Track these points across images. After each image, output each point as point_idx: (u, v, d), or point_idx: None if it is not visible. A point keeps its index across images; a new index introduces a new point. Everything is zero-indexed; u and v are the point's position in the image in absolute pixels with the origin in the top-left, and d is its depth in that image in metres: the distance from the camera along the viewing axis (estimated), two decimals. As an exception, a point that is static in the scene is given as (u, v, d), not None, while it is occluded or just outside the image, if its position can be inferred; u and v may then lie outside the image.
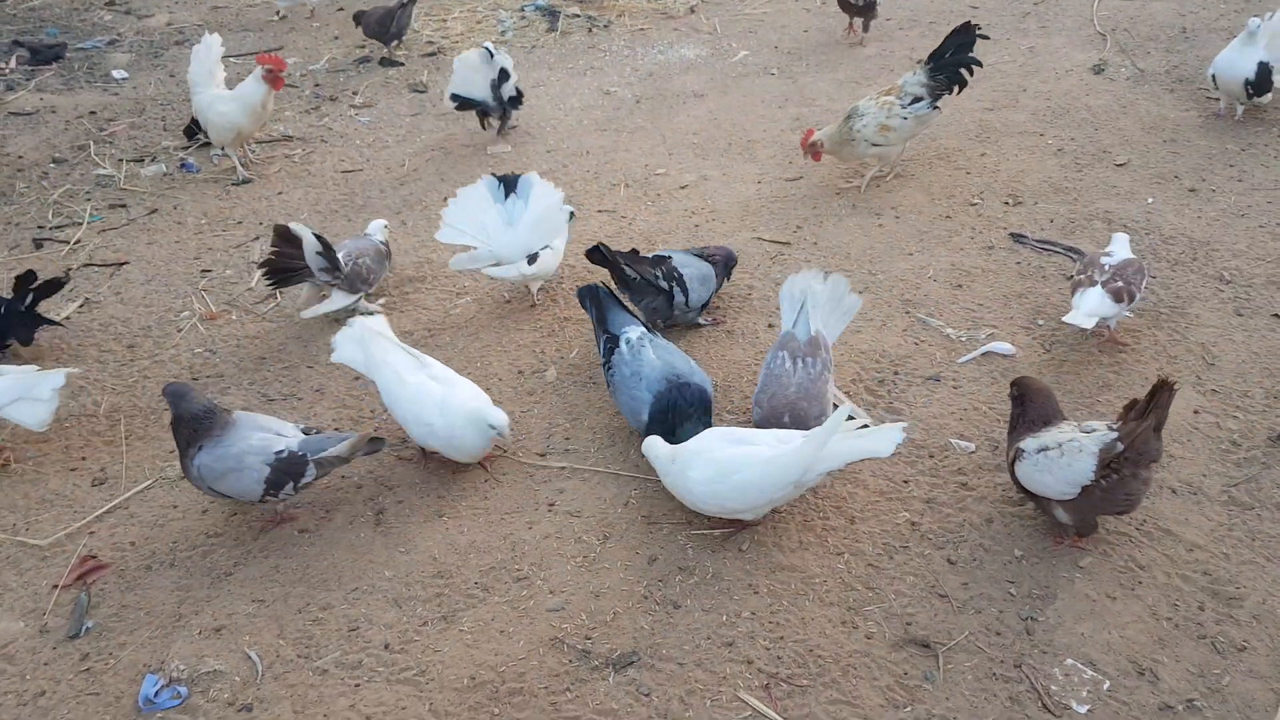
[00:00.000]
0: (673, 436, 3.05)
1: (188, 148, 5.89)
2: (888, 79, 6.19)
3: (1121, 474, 2.68)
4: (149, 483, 3.35)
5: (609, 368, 3.36)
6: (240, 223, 5.05)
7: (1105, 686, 2.48)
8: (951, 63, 4.70)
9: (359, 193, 5.30)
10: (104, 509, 3.24)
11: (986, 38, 4.78)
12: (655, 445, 2.98)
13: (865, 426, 2.85)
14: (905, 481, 3.15)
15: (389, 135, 5.99)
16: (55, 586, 2.95)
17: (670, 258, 3.83)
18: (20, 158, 5.84)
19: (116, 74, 7.06)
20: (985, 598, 2.74)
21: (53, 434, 3.57)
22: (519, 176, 4.03)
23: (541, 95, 6.44)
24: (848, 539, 2.95)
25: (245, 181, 5.45)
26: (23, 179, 5.59)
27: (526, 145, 5.71)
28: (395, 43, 7.21)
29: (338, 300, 4.08)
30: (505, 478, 3.27)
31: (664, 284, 3.74)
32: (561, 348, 3.91)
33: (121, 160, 5.77)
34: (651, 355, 3.27)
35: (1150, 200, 4.64)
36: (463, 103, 5.60)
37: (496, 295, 4.30)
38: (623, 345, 3.34)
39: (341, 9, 8.37)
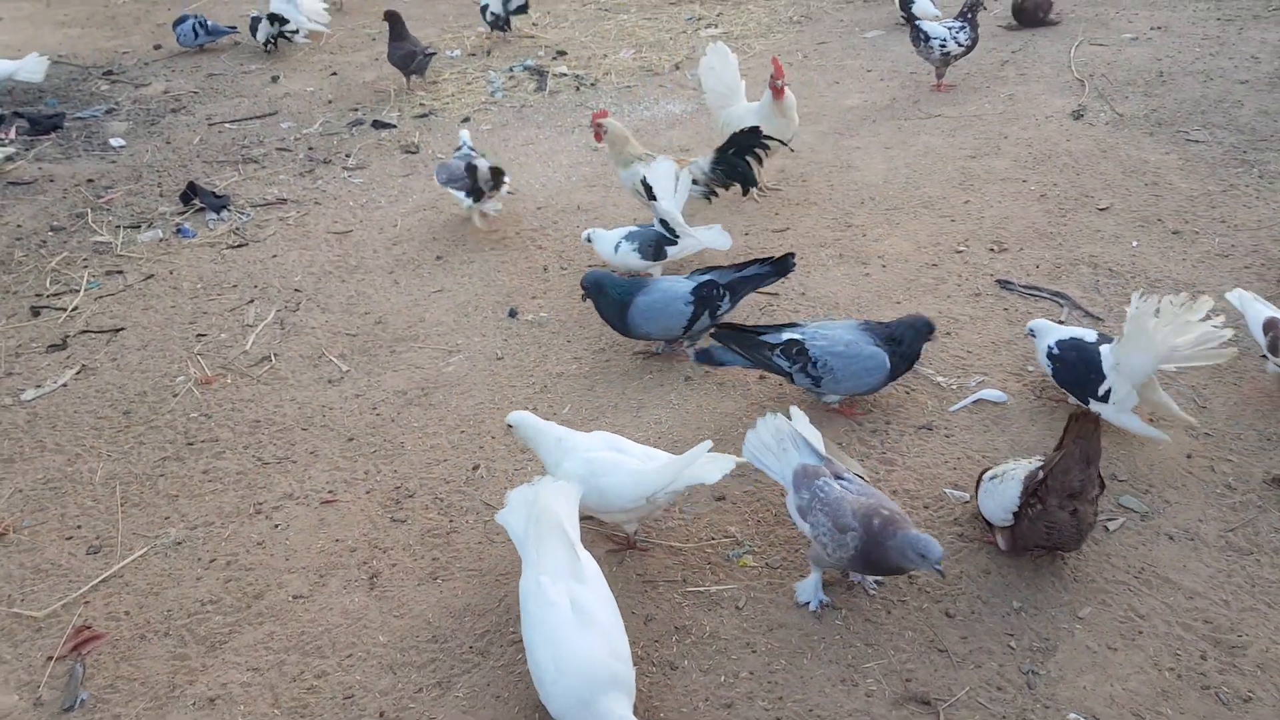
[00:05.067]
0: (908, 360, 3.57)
1: (184, 213, 5.96)
2: (869, 129, 6.33)
3: (1046, 504, 2.72)
4: (144, 550, 3.34)
5: (815, 364, 3.49)
6: (235, 286, 5.10)
7: (1109, 740, 2.46)
8: (730, 160, 4.92)
9: (352, 253, 5.36)
10: (99, 578, 3.22)
11: (766, 147, 4.95)
12: (527, 420, 3.17)
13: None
14: (901, 533, 3.14)
15: (381, 196, 6.08)
16: (50, 658, 2.93)
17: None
18: (19, 226, 5.91)
19: (114, 142, 7.18)
20: (985, 651, 2.72)
21: (49, 502, 3.57)
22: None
23: (531, 153, 6.54)
24: (844, 593, 2.94)
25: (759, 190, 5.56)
26: (21, 247, 5.65)
27: (517, 202, 5.79)
28: (415, 77, 7.82)
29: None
30: (499, 539, 3.27)
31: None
32: (554, 404, 3.92)
33: (119, 227, 5.84)
34: (835, 331, 3.55)
35: (1135, 244, 4.71)
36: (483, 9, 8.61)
37: (489, 353, 4.32)
38: (812, 347, 3.50)
39: (335, 73, 8.54)
